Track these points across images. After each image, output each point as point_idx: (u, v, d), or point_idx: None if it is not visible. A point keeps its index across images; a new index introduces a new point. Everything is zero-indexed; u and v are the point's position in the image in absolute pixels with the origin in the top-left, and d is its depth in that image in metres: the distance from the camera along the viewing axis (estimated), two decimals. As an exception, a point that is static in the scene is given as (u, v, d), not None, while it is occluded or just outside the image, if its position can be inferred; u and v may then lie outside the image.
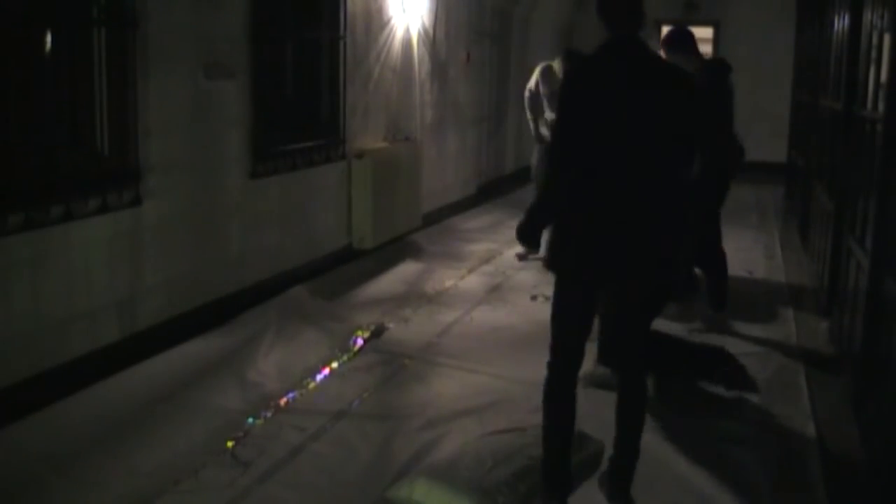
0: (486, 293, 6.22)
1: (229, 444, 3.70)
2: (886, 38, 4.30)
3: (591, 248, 3.04)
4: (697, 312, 5.60)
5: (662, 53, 5.54)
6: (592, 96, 3.00)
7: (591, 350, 3.39)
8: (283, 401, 4.17)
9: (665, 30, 16.57)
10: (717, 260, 5.57)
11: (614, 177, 2.99)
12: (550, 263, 3.18)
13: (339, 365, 4.70)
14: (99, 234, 4.21)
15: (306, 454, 3.65)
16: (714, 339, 4.96)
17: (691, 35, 5.58)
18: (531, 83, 7.04)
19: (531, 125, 7.08)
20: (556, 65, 6.88)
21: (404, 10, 7.55)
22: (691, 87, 3.11)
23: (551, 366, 3.21)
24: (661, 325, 4.81)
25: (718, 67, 5.46)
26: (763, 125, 11.69)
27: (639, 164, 2.98)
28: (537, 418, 3.94)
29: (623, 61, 3.02)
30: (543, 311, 3.23)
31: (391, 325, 5.39)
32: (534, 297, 6.01)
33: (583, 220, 3.04)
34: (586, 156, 2.98)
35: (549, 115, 6.70)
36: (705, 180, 5.18)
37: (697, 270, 5.84)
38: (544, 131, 6.81)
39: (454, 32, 8.95)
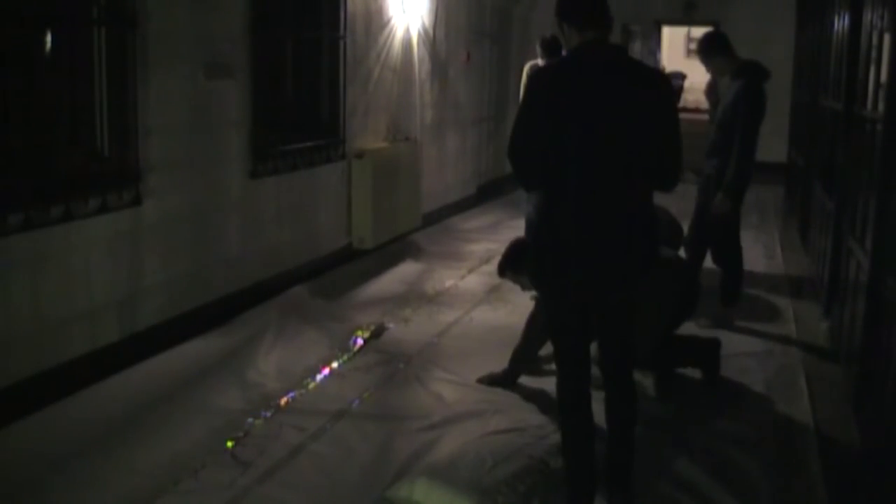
0: (486, 293, 6.21)
1: (229, 444, 3.70)
2: (886, 38, 4.30)
3: (568, 264, 2.99)
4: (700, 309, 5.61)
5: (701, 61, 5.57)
6: (562, 98, 2.94)
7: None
8: (283, 401, 4.17)
9: (666, 30, 16.47)
10: (732, 255, 5.60)
11: (587, 182, 2.93)
12: (533, 283, 3.12)
13: (339, 365, 4.70)
14: (99, 234, 4.21)
15: (306, 454, 3.65)
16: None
17: (724, 36, 5.61)
18: (524, 84, 7.03)
19: None
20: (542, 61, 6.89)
21: (404, 10, 7.55)
22: (668, 88, 3.07)
23: (561, 383, 3.17)
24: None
25: (757, 70, 5.43)
26: (763, 125, 11.67)
27: (612, 168, 2.94)
28: (537, 418, 3.96)
29: (596, 63, 2.98)
30: (543, 311, 3.23)
31: (391, 325, 5.39)
32: (534, 297, 6.01)
33: (557, 233, 2.99)
34: (555, 162, 2.93)
35: None
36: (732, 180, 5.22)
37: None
38: None
39: (454, 32, 8.95)
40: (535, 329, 4.34)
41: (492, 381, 4.40)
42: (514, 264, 4.47)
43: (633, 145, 2.94)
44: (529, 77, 3.07)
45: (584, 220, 2.96)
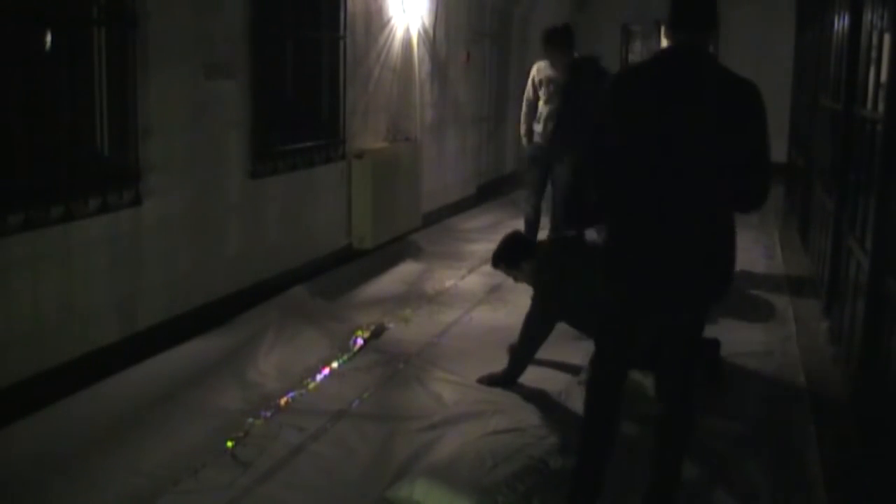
0: (486, 293, 6.21)
1: (229, 444, 3.70)
2: (886, 38, 4.30)
3: (640, 276, 2.88)
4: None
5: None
6: (642, 106, 2.82)
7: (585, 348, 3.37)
8: (283, 401, 4.17)
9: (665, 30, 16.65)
10: None
11: (665, 195, 2.81)
12: (607, 283, 2.99)
13: (339, 365, 4.70)
14: (99, 234, 4.21)
15: (306, 454, 3.65)
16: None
17: (570, 30, 6.23)
18: (530, 87, 7.03)
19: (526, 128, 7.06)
20: (543, 63, 6.91)
21: (404, 10, 7.55)
22: (757, 97, 2.87)
23: (593, 387, 3.11)
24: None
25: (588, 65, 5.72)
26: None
27: (693, 182, 2.80)
28: (537, 418, 3.96)
29: (681, 70, 2.84)
30: (543, 311, 3.22)
31: (391, 325, 5.39)
32: (533, 297, 6.01)
33: (630, 244, 2.89)
34: (632, 173, 2.83)
35: (542, 107, 6.78)
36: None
37: None
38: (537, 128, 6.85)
39: (454, 32, 8.95)
40: (533, 328, 4.34)
41: (492, 381, 4.40)
42: (508, 257, 4.56)
43: (717, 159, 2.80)
44: (611, 83, 2.88)
45: (661, 235, 2.84)
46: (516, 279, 4.67)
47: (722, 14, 2.96)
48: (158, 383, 4.19)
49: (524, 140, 7.04)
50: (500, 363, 4.60)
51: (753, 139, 2.85)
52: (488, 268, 6.93)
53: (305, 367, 4.60)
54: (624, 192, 2.91)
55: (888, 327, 3.72)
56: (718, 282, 2.96)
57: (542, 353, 4.77)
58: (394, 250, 7.17)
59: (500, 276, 6.70)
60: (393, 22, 7.39)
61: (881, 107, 4.25)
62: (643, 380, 4.39)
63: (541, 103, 6.80)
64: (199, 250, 5.00)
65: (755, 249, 7.75)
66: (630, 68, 3.07)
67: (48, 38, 4.08)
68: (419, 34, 7.92)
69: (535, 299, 4.41)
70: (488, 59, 10.39)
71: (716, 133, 2.81)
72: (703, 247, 2.87)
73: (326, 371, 4.59)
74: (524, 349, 4.40)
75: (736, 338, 5.16)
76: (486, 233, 8.43)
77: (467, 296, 6.15)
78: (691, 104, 2.81)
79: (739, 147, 2.82)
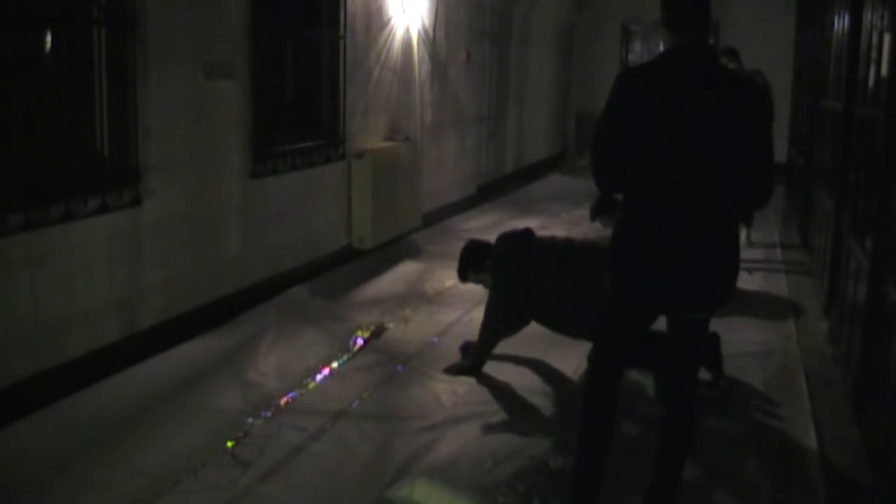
0: (486, 293, 6.19)
1: (229, 444, 3.70)
2: (886, 38, 4.30)
3: (643, 276, 2.88)
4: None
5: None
6: (647, 103, 2.83)
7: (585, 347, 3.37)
8: (283, 401, 4.17)
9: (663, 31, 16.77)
10: None
11: (670, 192, 2.81)
12: (610, 273, 2.98)
13: (339, 365, 4.70)
14: (99, 234, 4.21)
15: (306, 454, 3.65)
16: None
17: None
18: None
19: None
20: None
21: (404, 10, 7.55)
22: (758, 96, 2.92)
23: (590, 372, 3.12)
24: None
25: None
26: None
27: (698, 179, 2.81)
28: (537, 418, 3.96)
29: (685, 68, 2.86)
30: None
31: (391, 325, 5.39)
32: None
33: (635, 243, 2.89)
34: (637, 169, 2.83)
35: None
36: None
37: None
38: None
39: (454, 32, 8.95)
40: (488, 318, 4.45)
41: (459, 370, 4.53)
42: (473, 264, 4.64)
43: (721, 158, 2.81)
44: (616, 78, 2.92)
45: (665, 235, 2.84)
46: (486, 284, 4.69)
47: (722, 14, 2.98)
48: (158, 383, 4.19)
49: None
50: (499, 363, 4.61)
51: (756, 138, 2.87)
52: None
53: (305, 367, 4.60)
54: (628, 192, 2.92)
55: (888, 328, 3.72)
56: (724, 283, 2.95)
57: (540, 355, 4.78)
58: (394, 250, 7.17)
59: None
60: (393, 22, 7.39)
61: (881, 107, 4.25)
62: (643, 380, 4.40)
63: None
64: (199, 250, 5.00)
65: (755, 249, 7.74)
66: (634, 68, 3.11)
67: (48, 38, 4.08)
68: (419, 34, 7.92)
69: (490, 292, 4.53)
70: (488, 59, 10.39)
71: (720, 132, 2.82)
72: (708, 248, 2.87)
73: (326, 371, 4.59)
74: (483, 338, 4.51)
75: (736, 338, 5.16)
76: (486, 233, 8.37)
77: (467, 296, 6.14)
78: (695, 103, 2.82)
79: (743, 146, 2.83)
